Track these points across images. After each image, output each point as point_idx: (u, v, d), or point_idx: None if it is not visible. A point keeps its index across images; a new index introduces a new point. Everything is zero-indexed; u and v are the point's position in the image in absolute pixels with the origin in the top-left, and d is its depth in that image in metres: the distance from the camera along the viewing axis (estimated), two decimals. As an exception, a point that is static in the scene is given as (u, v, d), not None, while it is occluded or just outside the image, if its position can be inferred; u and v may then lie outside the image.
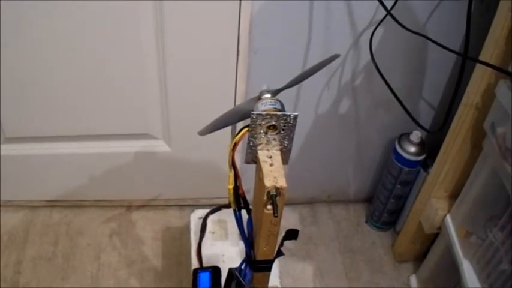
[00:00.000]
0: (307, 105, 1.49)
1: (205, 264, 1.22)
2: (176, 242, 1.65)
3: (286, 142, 0.77)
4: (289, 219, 1.72)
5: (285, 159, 0.78)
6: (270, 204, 0.74)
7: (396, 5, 1.20)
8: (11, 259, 1.56)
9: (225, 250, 1.26)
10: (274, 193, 0.73)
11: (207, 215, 1.30)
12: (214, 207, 1.33)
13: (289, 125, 0.75)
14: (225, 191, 1.59)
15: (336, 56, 0.92)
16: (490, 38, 1.14)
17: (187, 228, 1.44)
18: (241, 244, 1.19)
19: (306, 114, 1.51)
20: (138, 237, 1.65)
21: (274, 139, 0.77)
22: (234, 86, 1.41)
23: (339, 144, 1.64)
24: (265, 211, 0.75)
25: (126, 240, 1.64)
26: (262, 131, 0.76)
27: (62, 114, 1.46)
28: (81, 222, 1.68)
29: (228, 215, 1.30)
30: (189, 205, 1.74)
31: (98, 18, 1.25)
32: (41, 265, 1.55)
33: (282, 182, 0.73)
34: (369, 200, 1.82)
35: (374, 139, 1.64)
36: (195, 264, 1.22)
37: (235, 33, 1.30)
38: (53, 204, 1.71)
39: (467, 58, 1.05)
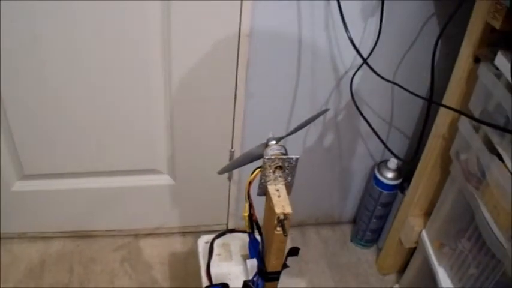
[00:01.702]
0: (296, 139, 1.63)
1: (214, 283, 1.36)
2: (181, 265, 1.75)
3: (289, 178, 0.96)
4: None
5: (289, 191, 0.97)
6: (280, 226, 0.93)
7: (372, 52, 1.35)
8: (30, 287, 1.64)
9: (230, 269, 1.37)
10: (283, 218, 0.92)
11: (213, 239, 1.42)
12: (217, 232, 1.44)
13: (292, 165, 0.94)
14: (222, 218, 1.75)
15: (326, 110, 1.10)
16: (452, 79, 1.29)
17: (191, 252, 1.54)
18: (245, 264, 1.33)
19: (295, 146, 1.64)
20: (147, 263, 1.75)
21: (280, 176, 0.96)
22: (231, 125, 1.54)
23: (325, 173, 1.76)
24: (276, 232, 0.94)
25: (136, 266, 1.74)
26: (271, 171, 0.95)
27: (76, 153, 1.56)
28: (93, 251, 1.77)
29: (231, 238, 1.42)
30: (190, 232, 1.85)
31: (108, 61, 1.35)
32: (59, 291, 1.63)
33: (288, 209, 0.92)
34: (353, 221, 1.94)
35: (355, 167, 1.77)
36: (205, 282, 1.32)
37: (234, 81, 1.43)
38: (66, 235, 1.79)
39: (432, 102, 1.21)
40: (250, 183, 0.96)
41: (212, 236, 1.42)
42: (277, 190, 0.95)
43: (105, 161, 1.59)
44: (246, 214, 1.01)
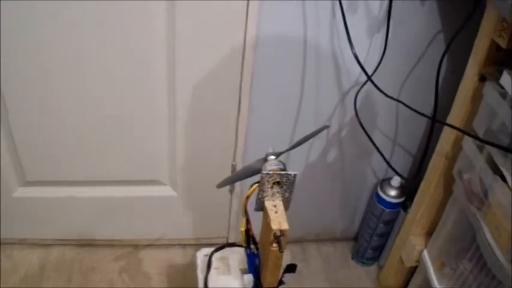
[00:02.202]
0: (299, 154, 1.62)
1: (211, 296, 1.36)
2: (180, 277, 1.74)
3: (287, 194, 0.96)
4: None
5: (286, 207, 0.96)
6: (276, 242, 0.92)
7: (377, 69, 1.34)
8: (29, 294, 1.63)
9: (228, 283, 1.35)
10: (279, 234, 0.91)
11: (212, 253, 1.41)
12: (216, 246, 1.42)
13: (290, 181, 0.94)
14: (223, 231, 1.75)
15: (326, 127, 1.10)
16: (457, 99, 1.28)
17: (190, 265, 1.53)
18: (243, 278, 1.30)
19: (298, 161, 1.63)
20: (146, 274, 1.74)
21: (278, 192, 0.95)
22: (234, 138, 1.54)
23: (327, 189, 1.75)
24: (272, 248, 0.93)
25: (135, 277, 1.73)
26: (269, 186, 0.94)
27: (79, 161, 1.56)
28: (93, 260, 1.76)
29: (230, 252, 1.40)
30: (190, 244, 1.84)
31: (112, 71, 1.36)
32: (57, 300, 1.62)
33: (285, 226, 0.91)
34: (354, 238, 1.92)
35: (358, 183, 1.76)
36: (203, 296, 1.34)
37: (237, 94, 1.43)
38: (66, 243, 1.79)
39: (435, 121, 1.20)
40: (247, 198, 0.96)
41: (211, 248, 1.41)
42: (275, 206, 0.94)
43: (107, 170, 1.60)
44: (243, 229, 1.01)
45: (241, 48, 1.33)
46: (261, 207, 0.96)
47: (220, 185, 1.04)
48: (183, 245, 1.85)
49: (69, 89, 1.38)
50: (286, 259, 1.83)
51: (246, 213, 0.99)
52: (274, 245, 0.92)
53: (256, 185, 0.95)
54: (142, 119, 1.48)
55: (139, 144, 1.54)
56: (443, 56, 1.08)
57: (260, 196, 0.95)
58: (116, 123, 1.48)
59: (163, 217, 1.76)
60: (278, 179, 0.93)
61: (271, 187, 0.94)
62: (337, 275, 1.82)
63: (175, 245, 1.85)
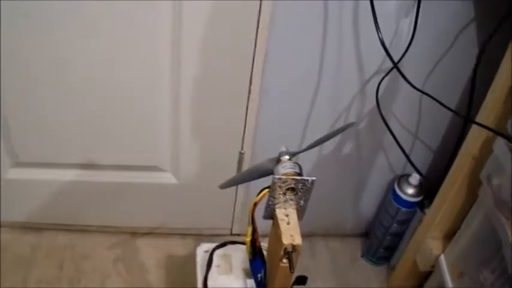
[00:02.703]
0: None
1: (210, 297, 1.27)
2: (179, 270, 1.67)
3: (302, 202, 0.83)
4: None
5: (300, 217, 0.84)
6: (286, 258, 0.80)
7: (403, 56, 1.25)
8: (16, 281, 1.57)
9: (229, 284, 1.28)
10: (291, 250, 0.79)
11: (213, 250, 1.33)
12: (218, 242, 1.36)
13: (307, 187, 0.81)
14: (227, 223, 1.65)
15: (351, 124, 0.98)
16: (489, 97, 1.19)
17: (190, 257, 1.46)
18: (246, 280, 1.25)
19: (310, 154, 1.48)
20: (142, 265, 1.67)
21: (292, 199, 0.83)
22: (243, 124, 1.45)
23: (339, 182, 1.68)
24: (281, 264, 0.81)
25: (130, 267, 1.66)
26: (281, 192, 0.82)
27: (74, 143, 1.49)
28: (86, 247, 1.70)
29: (233, 250, 1.34)
30: (192, 234, 1.77)
31: (111, 51, 1.29)
32: (46, 288, 1.56)
33: (298, 240, 0.79)
34: (365, 235, 1.85)
35: (373, 179, 1.68)
36: (201, 296, 1.25)
37: (248, 74, 1.34)
38: (59, 228, 1.72)
39: (469, 121, 1.09)
40: (255, 204, 0.83)
41: (213, 244, 1.35)
42: (287, 215, 0.82)
43: (105, 154, 1.53)
44: (249, 239, 0.88)
45: (254, 24, 1.24)
46: (270, 215, 0.84)
47: (224, 186, 0.92)
48: (183, 235, 1.78)
49: (65, 66, 1.30)
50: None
51: (253, 221, 0.87)
52: (284, 261, 0.80)
53: (267, 190, 0.82)
54: (142, 99, 1.40)
55: (139, 127, 1.46)
56: (484, 45, 0.95)
57: (270, 203, 0.83)
58: (114, 103, 1.40)
59: (163, 205, 1.69)
60: (292, 185, 0.81)
61: (284, 193, 0.82)
62: (345, 274, 1.75)
63: (175, 234, 1.78)
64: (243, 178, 0.91)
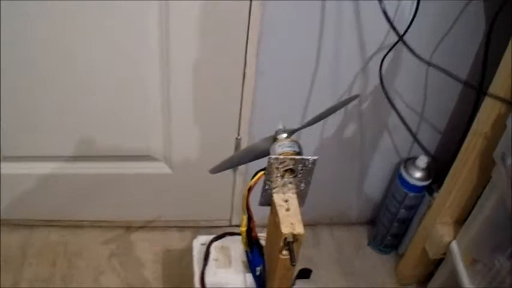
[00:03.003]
0: (312, 128, 1.44)
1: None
2: (176, 264, 1.62)
3: (303, 185, 0.75)
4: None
5: (301, 202, 0.76)
6: (286, 249, 0.72)
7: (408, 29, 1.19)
8: (8, 280, 1.53)
9: (228, 278, 1.22)
10: (291, 239, 0.71)
11: (211, 242, 1.27)
12: (217, 234, 1.30)
13: (307, 168, 0.73)
14: (225, 213, 1.60)
15: (356, 96, 0.90)
16: (502, 68, 1.13)
17: (187, 251, 1.42)
18: (246, 273, 1.18)
19: (311, 137, 1.49)
20: (138, 260, 1.62)
21: (291, 182, 0.75)
22: (239, 107, 1.40)
23: (343, 167, 1.63)
24: (281, 256, 0.73)
25: (125, 263, 1.61)
26: (279, 175, 0.73)
27: (62, 133, 1.44)
28: (80, 243, 1.65)
29: (231, 241, 1.28)
30: (189, 227, 1.72)
31: (100, 39, 1.24)
32: (39, 287, 1.52)
33: (299, 229, 0.71)
34: (371, 222, 1.80)
35: (378, 163, 1.62)
36: (198, 292, 1.19)
37: (242, 55, 1.28)
38: (51, 224, 1.67)
39: (483, 94, 1.02)
40: (250, 189, 0.75)
41: (210, 237, 1.29)
42: (286, 201, 0.74)
43: (95, 144, 1.47)
44: (244, 229, 0.80)
45: (247, 1, 1.18)
46: (267, 201, 0.76)
47: (215, 170, 0.84)
48: (181, 228, 1.72)
49: (51, 55, 1.25)
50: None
51: (248, 209, 0.79)
52: (284, 252, 0.72)
53: (262, 173, 0.74)
54: (132, 85, 1.34)
55: (129, 114, 1.40)
56: (497, 13, 0.88)
57: (267, 187, 0.74)
58: (102, 90, 1.35)
59: (158, 196, 1.63)
60: (291, 166, 0.72)
61: (282, 176, 0.73)
62: (351, 263, 1.70)
63: (171, 227, 1.72)
64: (236, 160, 0.83)
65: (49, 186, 1.57)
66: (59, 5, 1.17)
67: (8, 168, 1.51)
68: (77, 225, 1.69)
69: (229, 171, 1.55)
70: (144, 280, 1.57)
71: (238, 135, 1.46)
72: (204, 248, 1.27)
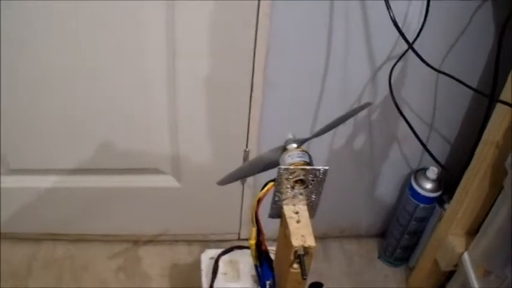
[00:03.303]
0: (322, 139, 1.43)
1: (217, 307, 1.19)
2: (185, 280, 1.60)
3: (313, 196, 0.73)
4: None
5: (312, 213, 0.74)
6: (297, 263, 0.69)
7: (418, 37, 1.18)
8: (14, 294, 1.50)
9: None
10: (302, 252, 0.69)
11: (219, 256, 1.25)
12: (225, 248, 1.28)
13: (319, 179, 0.71)
14: (234, 227, 1.58)
15: (368, 104, 0.88)
16: None
17: (196, 265, 1.40)
18: (255, 287, 1.17)
19: (320, 148, 1.48)
20: (145, 274, 1.60)
21: (301, 193, 0.73)
22: (247, 119, 1.38)
23: (353, 179, 1.61)
24: (292, 270, 0.71)
25: (132, 277, 1.59)
26: (289, 186, 0.71)
27: (68, 147, 1.43)
28: (86, 257, 1.63)
29: (240, 255, 1.26)
30: (197, 241, 1.70)
31: (105, 51, 1.23)
32: (45, 302, 1.49)
33: (310, 241, 0.69)
34: (381, 235, 1.78)
35: (388, 174, 1.61)
36: (207, 306, 1.17)
37: (250, 67, 1.27)
38: (57, 238, 1.66)
39: (495, 101, 1.01)
40: (259, 200, 0.73)
41: (218, 250, 1.27)
42: (297, 213, 0.72)
43: (101, 157, 1.45)
44: (253, 242, 0.78)
45: (254, 12, 1.16)
46: (277, 213, 0.73)
47: (223, 182, 0.82)
48: (189, 242, 1.71)
49: (57, 70, 1.24)
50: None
51: (257, 221, 0.77)
52: (295, 265, 0.69)
53: (271, 184, 0.72)
54: (138, 98, 1.33)
55: (136, 127, 1.40)
56: (507, 19, 0.86)
57: (277, 199, 0.72)
58: (109, 103, 1.34)
59: (166, 210, 1.62)
60: (302, 176, 0.70)
61: (292, 187, 0.71)
62: (362, 276, 1.68)
63: (179, 241, 1.71)
64: (244, 171, 0.81)
65: (55, 200, 1.55)
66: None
67: (14, 181, 1.50)
68: (83, 239, 1.67)
69: (237, 184, 1.53)
70: (151, 295, 1.54)
71: (247, 147, 1.44)
72: (213, 262, 1.26)
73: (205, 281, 1.24)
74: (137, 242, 1.69)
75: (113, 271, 1.61)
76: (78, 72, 1.27)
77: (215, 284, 1.22)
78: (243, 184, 1.54)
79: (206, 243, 1.68)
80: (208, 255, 1.28)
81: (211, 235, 1.69)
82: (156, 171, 1.51)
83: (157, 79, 1.30)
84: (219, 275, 1.24)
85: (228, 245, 1.29)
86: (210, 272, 1.24)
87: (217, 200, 1.55)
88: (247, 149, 1.44)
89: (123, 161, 1.48)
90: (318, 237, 1.69)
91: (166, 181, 1.54)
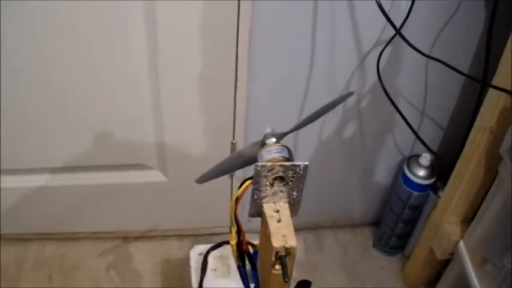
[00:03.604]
0: (310, 129, 1.40)
1: (206, 304, 1.16)
2: (176, 275, 1.58)
3: (295, 194, 0.70)
4: (296, 249, 1.67)
5: (294, 211, 0.71)
6: (279, 264, 0.66)
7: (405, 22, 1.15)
8: (5, 295, 1.48)
9: None
10: (284, 253, 0.65)
11: (208, 252, 1.22)
12: (214, 242, 1.25)
13: (299, 175, 0.68)
14: (225, 220, 1.55)
15: (350, 94, 0.85)
16: (504, 59, 1.09)
17: (187, 261, 1.38)
18: None
19: (309, 138, 1.46)
20: (136, 271, 1.58)
21: (282, 191, 0.69)
22: (232, 112, 1.35)
23: (344, 168, 1.59)
24: (274, 271, 0.68)
25: (123, 275, 1.57)
26: (268, 183, 0.68)
27: (54, 145, 1.41)
28: (76, 256, 1.61)
29: (230, 250, 1.20)
30: (188, 235, 1.68)
31: (90, 47, 1.20)
32: (36, 303, 1.47)
33: (292, 242, 0.66)
34: (375, 223, 1.76)
35: (380, 162, 1.58)
36: (196, 303, 1.14)
37: (233, 59, 1.24)
38: (46, 237, 1.64)
39: (487, 86, 0.98)
40: (237, 199, 0.69)
41: (207, 246, 1.25)
42: (277, 211, 0.68)
43: (85, 154, 1.43)
44: (234, 242, 0.74)
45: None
46: (257, 212, 0.70)
47: (202, 180, 0.79)
48: (180, 236, 1.68)
49: (45, 68, 1.22)
50: (298, 250, 1.68)
51: (236, 221, 0.73)
52: (277, 267, 0.66)
53: (249, 181, 0.68)
54: (122, 92, 1.30)
55: (120, 123, 1.37)
56: (497, 0, 0.83)
57: (256, 197, 0.69)
58: (93, 100, 1.31)
59: (155, 205, 1.59)
60: (281, 173, 0.66)
61: (272, 184, 0.67)
62: (356, 266, 1.66)
63: (170, 236, 1.68)
64: (223, 169, 0.78)
65: (42, 199, 1.53)
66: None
67: (3, 182, 1.48)
68: (72, 238, 1.65)
69: (226, 179, 1.51)
70: (142, 292, 1.52)
71: (234, 139, 1.41)
72: (202, 258, 1.23)
73: (194, 277, 1.21)
74: (127, 238, 1.67)
75: (104, 269, 1.58)
76: (61, 71, 1.24)
77: (204, 281, 1.19)
78: (231, 178, 1.51)
79: (197, 237, 1.66)
80: (197, 251, 1.26)
81: (202, 229, 1.67)
82: (142, 166, 1.48)
83: (141, 74, 1.27)
84: (209, 272, 1.21)
85: (220, 239, 1.26)
86: (199, 268, 1.21)
87: (206, 193, 1.49)
88: (234, 141, 1.41)
89: (109, 157, 1.45)
90: (310, 228, 1.69)
91: (153, 176, 1.51)
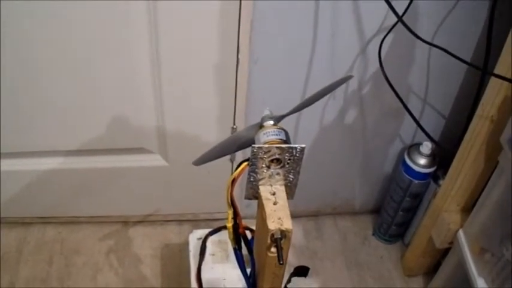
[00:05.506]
0: (312, 116, 1.42)
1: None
2: (176, 260, 1.58)
3: (291, 176, 0.69)
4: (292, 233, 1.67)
5: (291, 194, 0.70)
6: (275, 247, 0.66)
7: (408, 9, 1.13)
8: (4, 280, 1.49)
9: (226, 273, 1.19)
10: (279, 236, 0.65)
11: (206, 236, 1.22)
12: (214, 228, 1.26)
13: (295, 158, 0.67)
14: (224, 204, 1.55)
15: (349, 77, 0.84)
16: (506, 47, 1.08)
17: (186, 245, 1.38)
18: None
19: (310, 124, 1.45)
20: (136, 255, 1.58)
21: (278, 173, 0.69)
22: (233, 96, 1.34)
23: (345, 155, 1.58)
24: (269, 254, 0.67)
25: (123, 259, 1.57)
26: (264, 165, 0.68)
27: (55, 128, 1.40)
28: (77, 240, 1.62)
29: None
30: (188, 220, 1.68)
31: (90, 31, 1.19)
32: (35, 286, 1.49)
33: (287, 224, 0.65)
34: (375, 211, 1.76)
35: (381, 150, 1.58)
36: (195, 288, 1.14)
37: (235, 42, 1.23)
38: (46, 221, 1.64)
39: (488, 74, 0.97)
40: (233, 181, 0.69)
41: (206, 231, 1.26)
42: (273, 194, 0.68)
43: (88, 137, 1.43)
44: (230, 225, 0.74)
45: None
46: (254, 195, 0.70)
47: (199, 162, 0.79)
48: (180, 221, 1.69)
49: (43, 48, 1.21)
50: (298, 237, 1.68)
51: (232, 203, 0.73)
52: (273, 249, 0.66)
53: (246, 163, 0.68)
54: (123, 77, 1.29)
55: (120, 106, 1.36)
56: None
57: (252, 179, 0.68)
58: (93, 83, 1.30)
59: (155, 190, 1.59)
60: (277, 155, 0.66)
61: (268, 166, 0.67)
62: (356, 254, 1.66)
63: (170, 221, 1.68)
64: (220, 151, 0.77)
65: (43, 183, 1.53)
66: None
67: (2, 165, 1.47)
68: (73, 222, 1.65)
69: (226, 162, 1.50)
70: (142, 277, 1.53)
71: (234, 124, 1.41)
72: (200, 242, 1.24)
73: (193, 262, 1.22)
74: (127, 222, 1.67)
75: (104, 253, 1.59)
76: (64, 57, 1.24)
77: (203, 266, 1.20)
78: (232, 162, 1.51)
79: (197, 222, 1.66)
80: (196, 236, 1.26)
81: (202, 214, 1.67)
82: (143, 150, 1.48)
83: (142, 58, 1.26)
84: (207, 256, 1.22)
85: (219, 224, 1.25)
86: (198, 253, 1.22)
87: (206, 178, 1.51)
88: (234, 126, 1.41)
89: (110, 141, 1.44)
90: (310, 215, 1.68)
91: (153, 160, 1.51)
